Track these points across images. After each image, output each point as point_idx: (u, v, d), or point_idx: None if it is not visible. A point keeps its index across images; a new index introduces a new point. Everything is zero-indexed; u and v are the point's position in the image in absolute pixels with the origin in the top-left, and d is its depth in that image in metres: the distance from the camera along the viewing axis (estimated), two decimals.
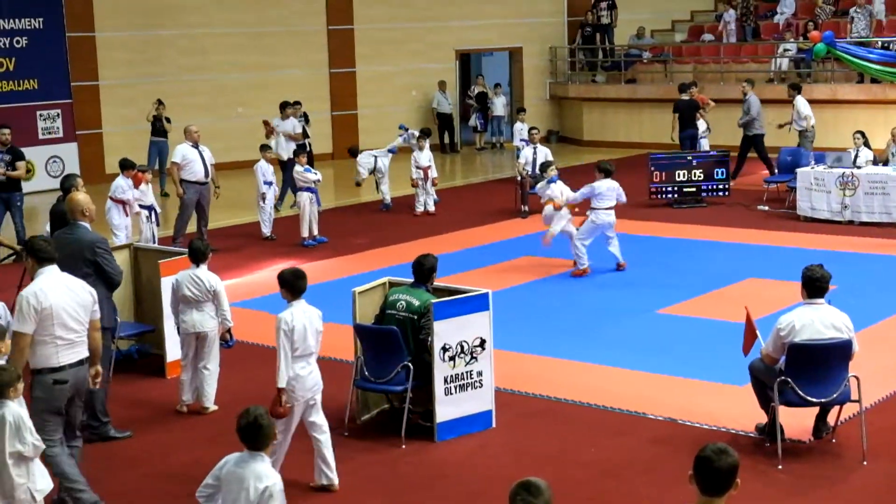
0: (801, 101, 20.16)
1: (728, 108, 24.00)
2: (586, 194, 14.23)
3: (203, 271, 9.59)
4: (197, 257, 9.63)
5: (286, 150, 19.58)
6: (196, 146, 16.33)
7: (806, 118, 19.96)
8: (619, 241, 16.51)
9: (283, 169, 19.57)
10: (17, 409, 6.75)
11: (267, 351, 11.62)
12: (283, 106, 20.31)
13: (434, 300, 8.83)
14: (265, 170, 17.46)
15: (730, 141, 23.15)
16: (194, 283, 9.52)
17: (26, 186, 22.82)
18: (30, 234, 14.82)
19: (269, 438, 5.90)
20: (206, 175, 16.31)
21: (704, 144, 21.36)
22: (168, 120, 21.61)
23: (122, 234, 14.90)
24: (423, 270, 9.06)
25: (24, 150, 22.84)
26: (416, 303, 8.87)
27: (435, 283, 9.33)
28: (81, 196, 9.21)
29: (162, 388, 10.36)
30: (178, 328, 9.77)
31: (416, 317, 8.83)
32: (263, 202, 17.54)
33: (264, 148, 18.07)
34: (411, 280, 9.17)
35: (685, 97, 21.38)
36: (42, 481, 6.88)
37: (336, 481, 8.06)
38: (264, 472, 5.81)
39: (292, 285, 8.01)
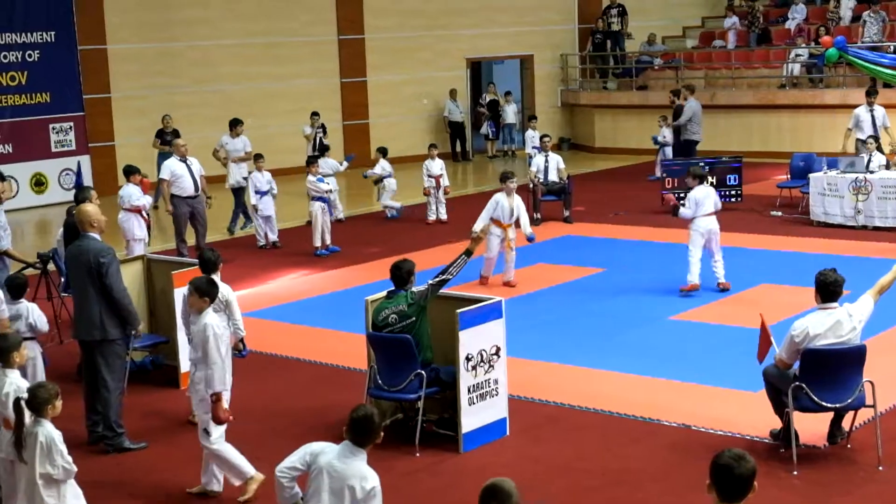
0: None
1: (738, 114, 24.02)
2: (693, 207, 13.37)
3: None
4: (208, 267, 9.65)
5: (237, 174, 18.63)
6: (184, 160, 16.05)
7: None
8: (636, 247, 16.54)
9: (235, 195, 18.93)
10: (50, 430, 6.76)
11: (281, 361, 11.66)
12: (234, 123, 19.16)
13: (409, 292, 8.91)
14: (258, 180, 17.62)
15: (739, 147, 23.19)
16: None
17: (39, 199, 23.04)
18: (43, 248, 14.88)
19: (375, 437, 5.93)
20: (196, 189, 16.02)
21: (668, 153, 21.71)
22: (177, 132, 21.65)
23: (141, 245, 14.86)
24: (402, 275, 9.07)
25: (36, 163, 23.17)
26: (404, 307, 8.89)
27: (448, 292, 9.32)
28: (91, 207, 9.24)
29: (176, 398, 10.37)
30: (189, 339, 9.77)
31: (413, 318, 8.84)
32: (256, 212, 17.72)
33: (258, 157, 18.10)
34: (387, 291, 9.14)
35: (679, 101, 21.65)
36: (75, 503, 6.88)
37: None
38: (368, 473, 5.84)
39: (209, 293, 8.10)
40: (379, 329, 8.98)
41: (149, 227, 15.45)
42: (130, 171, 15.16)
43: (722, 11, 29.78)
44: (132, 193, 14.89)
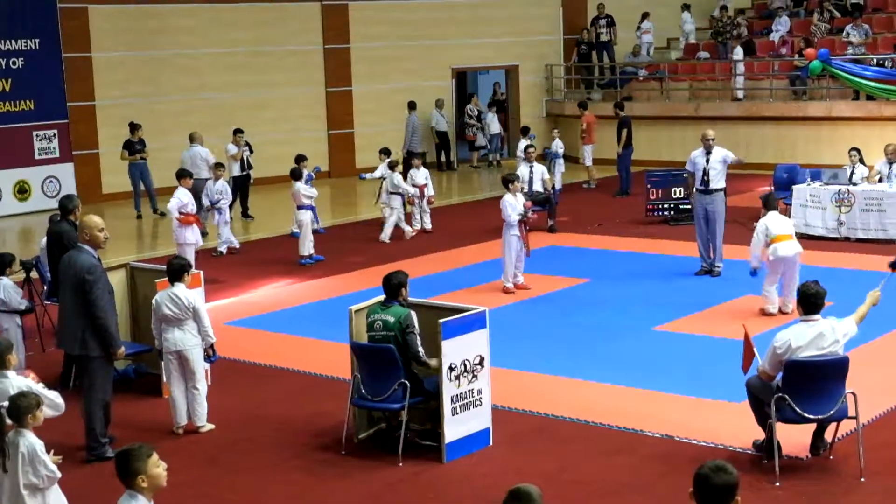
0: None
1: (723, 126, 24.06)
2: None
3: (181, 289, 9.58)
4: (174, 276, 9.64)
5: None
6: None
7: None
8: (620, 258, 16.55)
9: None
10: (31, 439, 6.73)
11: (265, 370, 11.64)
12: None
13: (408, 313, 8.87)
14: (209, 189, 17.47)
15: None
16: (173, 302, 9.52)
17: (23, 207, 22.97)
18: (26, 256, 14.82)
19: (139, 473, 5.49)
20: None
21: (562, 165, 22.27)
22: (143, 142, 21.55)
23: (192, 249, 15.16)
24: (392, 286, 9.05)
25: (20, 170, 23.09)
26: (391, 319, 8.89)
27: (432, 302, 9.33)
28: (94, 219, 9.12)
29: (159, 407, 10.33)
30: (160, 347, 9.73)
31: (393, 333, 8.84)
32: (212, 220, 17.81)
33: (219, 166, 18.00)
34: (382, 299, 9.15)
35: (623, 113, 22.60)
36: None
37: None
38: None
39: None
40: (367, 331, 9.02)
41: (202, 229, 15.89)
42: (183, 175, 15.76)
43: (706, 23, 29.93)
44: (182, 200, 15.19)
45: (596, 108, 28.09)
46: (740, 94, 26.21)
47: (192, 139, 19.82)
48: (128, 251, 17.77)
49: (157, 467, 5.53)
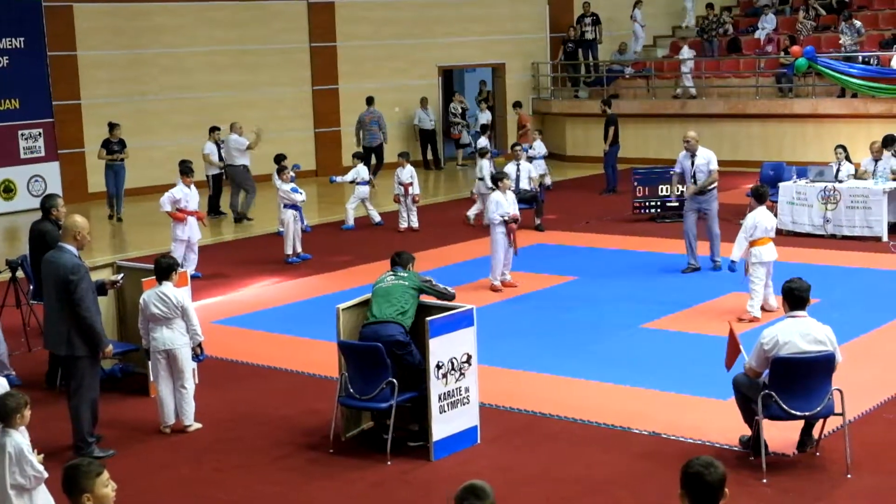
0: None
1: (709, 123, 24.16)
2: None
3: (169, 288, 9.55)
4: (161, 274, 9.61)
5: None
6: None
7: None
8: (608, 255, 16.57)
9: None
10: (18, 439, 6.70)
11: (252, 369, 11.62)
12: None
13: (417, 273, 9.41)
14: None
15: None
16: (161, 301, 9.49)
17: (8, 206, 22.88)
18: (12, 255, 14.77)
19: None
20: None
21: (543, 165, 22.07)
22: (122, 142, 21.40)
23: (183, 246, 15.29)
24: (401, 262, 9.54)
25: (5, 169, 23.00)
26: (405, 274, 9.31)
27: (420, 300, 9.33)
28: (78, 219, 9.09)
29: (145, 406, 10.30)
30: (147, 346, 9.70)
31: (406, 283, 9.17)
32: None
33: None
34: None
35: (610, 111, 22.82)
36: None
37: None
38: None
39: None
40: (374, 294, 9.23)
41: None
42: (187, 171, 15.63)
43: (692, 21, 29.99)
44: (178, 195, 15.20)
45: (583, 105, 28.18)
46: (683, 91, 26.66)
47: (231, 128, 20.31)
48: (111, 251, 17.74)
49: (106, 487, 5.19)
